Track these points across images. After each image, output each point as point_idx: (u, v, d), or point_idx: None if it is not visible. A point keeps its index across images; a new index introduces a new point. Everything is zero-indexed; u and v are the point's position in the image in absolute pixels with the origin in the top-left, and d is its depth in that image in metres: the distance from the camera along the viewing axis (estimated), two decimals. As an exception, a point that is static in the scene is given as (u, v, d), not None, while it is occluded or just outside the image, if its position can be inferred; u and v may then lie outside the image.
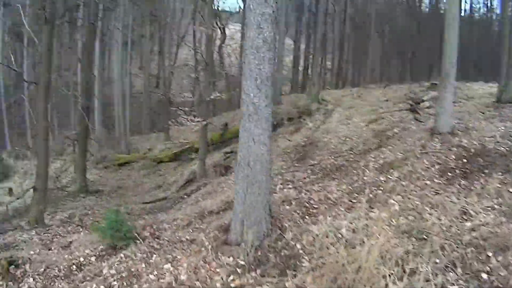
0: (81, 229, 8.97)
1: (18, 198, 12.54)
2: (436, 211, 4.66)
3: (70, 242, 7.52)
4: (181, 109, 12.56)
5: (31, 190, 10.27)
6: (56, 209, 12.10)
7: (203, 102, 12.58)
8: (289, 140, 11.97)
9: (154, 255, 5.12)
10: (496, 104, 9.45)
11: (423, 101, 11.35)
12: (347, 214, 4.88)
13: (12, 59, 14.73)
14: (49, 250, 7.21)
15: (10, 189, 14.40)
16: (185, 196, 11.83)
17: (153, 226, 7.06)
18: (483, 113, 8.72)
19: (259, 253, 4.25)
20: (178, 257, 4.73)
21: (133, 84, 28.71)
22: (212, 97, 12.33)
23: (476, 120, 8.10)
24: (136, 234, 6.15)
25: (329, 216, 4.89)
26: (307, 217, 5.12)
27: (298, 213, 5.22)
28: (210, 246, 4.58)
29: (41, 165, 9.73)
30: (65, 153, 19.56)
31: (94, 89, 22.72)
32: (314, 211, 5.30)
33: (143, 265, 4.89)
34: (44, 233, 8.79)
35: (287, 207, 5.49)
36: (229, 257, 4.26)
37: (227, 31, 22.36)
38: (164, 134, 21.46)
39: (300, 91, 25.98)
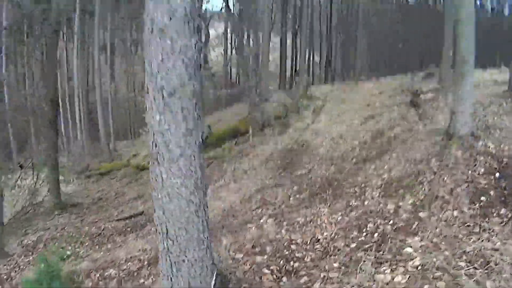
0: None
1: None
2: (476, 269, 2.83)
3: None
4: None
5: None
6: (27, 231, 10.51)
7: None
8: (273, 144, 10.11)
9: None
10: (509, 93, 7.68)
11: (422, 92, 9.52)
12: (345, 278, 3.03)
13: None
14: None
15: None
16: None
17: (97, 273, 5.24)
18: (499, 105, 6.91)
19: None
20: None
21: (119, 89, 26.87)
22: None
23: (495, 115, 6.28)
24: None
25: (318, 281, 3.05)
26: (284, 278, 3.26)
27: (273, 272, 3.35)
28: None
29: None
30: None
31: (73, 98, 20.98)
32: (296, 266, 3.43)
33: None
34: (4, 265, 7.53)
35: (259, 258, 3.60)
36: None
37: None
38: (149, 139, 19.54)
39: (289, 87, 24.11)
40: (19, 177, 13.12)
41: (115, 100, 23.25)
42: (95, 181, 16.71)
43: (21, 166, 13.90)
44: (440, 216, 3.69)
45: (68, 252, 6.71)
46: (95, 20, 19.87)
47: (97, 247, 8.81)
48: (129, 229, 9.88)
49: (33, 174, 13.77)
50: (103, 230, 10.07)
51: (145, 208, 11.48)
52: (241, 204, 6.97)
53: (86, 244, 8.95)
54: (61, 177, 16.51)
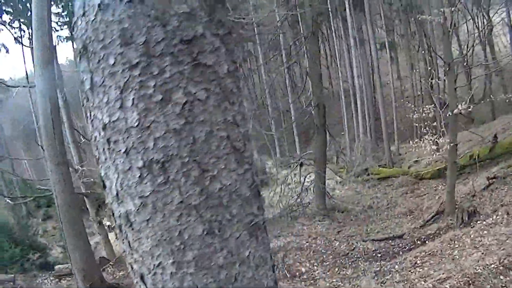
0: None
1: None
2: None
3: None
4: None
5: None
6: (281, 233, 10.76)
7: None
8: None
9: None
10: None
11: None
12: None
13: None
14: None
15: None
16: (418, 242, 8.02)
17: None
18: None
19: None
20: None
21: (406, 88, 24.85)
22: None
23: None
24: None
25: None
26: None
27: None
28: None
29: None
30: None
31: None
32: None
33: None
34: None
35: None
36: None
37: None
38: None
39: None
40: (290, 174, 13.62)
41: (400, 99, 21.47)
42: (371, 186, 15.71)
43: (301, 164, 14.39)
44: None
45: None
46: (366, 16, 18.88)
47: (335, 270, 7.87)
48: (379, 255, 8.39)
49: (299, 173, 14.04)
50: (352, 249, 8.99)
51: (408, 229, 9.61)
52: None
53: (326, 263, 8.14)
54: (337, 178, 16.56)
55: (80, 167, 10.91)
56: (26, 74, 21.95)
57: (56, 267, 11.45)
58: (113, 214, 1.02)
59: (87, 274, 7.18)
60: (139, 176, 0.92)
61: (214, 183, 0.94)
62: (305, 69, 14.24)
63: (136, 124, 0.90)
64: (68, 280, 9.77)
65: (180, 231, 0.99)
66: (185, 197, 0.93)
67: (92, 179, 11.59)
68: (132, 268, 1.04)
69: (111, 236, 12.99)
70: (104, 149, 0.96)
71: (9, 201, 13.35)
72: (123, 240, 1.05)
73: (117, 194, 0.97)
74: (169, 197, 0.93)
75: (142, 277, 1.01)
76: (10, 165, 22.08)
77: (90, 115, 0.97)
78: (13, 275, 10.43)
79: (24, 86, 16.05)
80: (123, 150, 0.93)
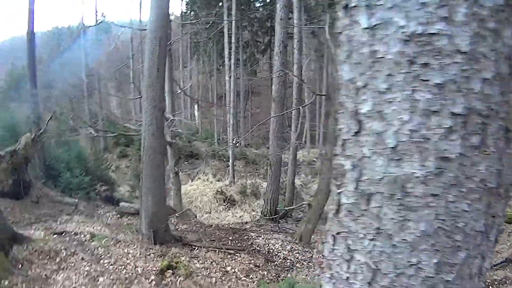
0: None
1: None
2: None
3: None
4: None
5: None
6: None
7: None
8: None
9: None
10: None
11: None
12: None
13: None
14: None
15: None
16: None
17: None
18: None
19: None
20: None
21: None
22: None
23: None
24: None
25: None
26: None
27: None
28: None
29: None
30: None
31: None
32: None
33: None
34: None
35: None
36: None
37: None
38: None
39: None
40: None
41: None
42: None
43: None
44: None
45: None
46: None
47: None
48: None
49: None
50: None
51: None
52: None
53: None
54: None
55: (171, 116, 11.28)
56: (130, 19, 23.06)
57: (121, 203, 11.99)
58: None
59: (154, 220, 7.37)
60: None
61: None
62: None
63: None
64: (129, 219, 10.10)
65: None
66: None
67: (179, 130, 11.87)
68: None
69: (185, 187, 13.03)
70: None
71: (92, 132, 14.10)
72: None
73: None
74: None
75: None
76: (99, 101, 23.61)
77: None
78: (77, 200, 10.95)
79: (131, 28, 16.81)
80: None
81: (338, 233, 1.13)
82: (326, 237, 1.38)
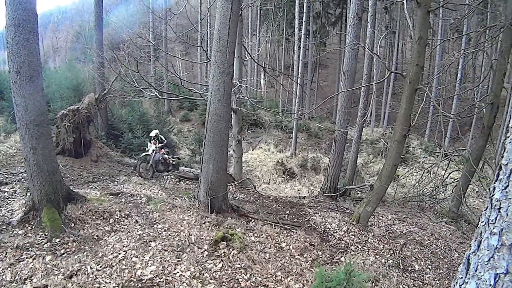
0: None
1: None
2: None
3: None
4: None
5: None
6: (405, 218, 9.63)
7: None
8: None
9: None
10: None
11: None
12: None
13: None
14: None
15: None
16: None
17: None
18: None
19: None
20: None
21: None
22: None
23: None
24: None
25: None
26: None
27: None
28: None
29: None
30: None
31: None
32: None
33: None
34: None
35: None
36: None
37: None
38: None
39: None
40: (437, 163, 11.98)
41: None
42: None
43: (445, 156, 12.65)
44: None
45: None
46: None
47: (446, 282, 6.65)
48: None
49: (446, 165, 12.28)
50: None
51: None
52: None
53: (440, 271, 6.92)
54: (477, 187, 14.18)
55: (238, 83, 10.88)
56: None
57: (181, 168, 12.00)
58: None
59: (213, 187, 7.09)
60: None
61: None
62: (490, 61, 11.99)
63: None
64: (187, 184, 10.01)
65: None
66: None
67: (245, 97, 11.50)
68: None
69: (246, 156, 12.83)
70: None
71: (156, 94, 14.14)
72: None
73: None
74: None
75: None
76: (165, 63, 23.78)
77: None
78: (136, 161, 11.13)
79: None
80: None
81: (506, 273, 0.93)
82: (471, 270, 1.02)
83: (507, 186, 1.04)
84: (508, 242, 0.97)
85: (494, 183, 1.13)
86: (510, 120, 1.07)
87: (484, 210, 1.20)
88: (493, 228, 1.09)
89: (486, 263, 1.07)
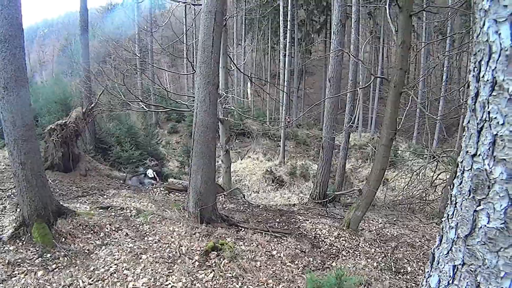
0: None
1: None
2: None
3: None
4: None
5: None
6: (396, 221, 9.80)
7: None
8: None
9: None
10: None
11: None
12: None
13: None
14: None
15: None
16: None
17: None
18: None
19: None
20: None
21: None
22: None
23: None
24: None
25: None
26: None
27: None
28: None
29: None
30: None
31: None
32: None
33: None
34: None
35: None
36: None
37: None
38: None
39: None
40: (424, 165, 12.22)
41: None
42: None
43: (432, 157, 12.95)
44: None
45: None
46: None
47: None
48: None
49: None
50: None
51: None
52: None
53: None
54: None
55: (224, 93, 11.01)
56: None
57: (170, 179, 12.05)
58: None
59: (202, 198, 7.19)
60: None
61: None
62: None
63: None
64: (176, 195, 10.07)
65: None
66: None
67: (232, 107, 11.64)
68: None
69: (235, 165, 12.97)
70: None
71: (144, 107, 14.17)
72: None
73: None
74: None
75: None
76: (152, 76, 23.91)
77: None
78: (125, 175, 11.19)
79: (185, 3, 16.55)
80: None
81: (462, 264, 0.96)
82: (434, 264, 1.16)
83: (461, 182, 1.16)
84: (463, 235, 1.08)
85: (453, 180, 1.25)
86: (465, 119, 1.19)
87: (446, 207, 1.32)
88: (451, 223, 1.21)
89: (445, 255, 1.18)
